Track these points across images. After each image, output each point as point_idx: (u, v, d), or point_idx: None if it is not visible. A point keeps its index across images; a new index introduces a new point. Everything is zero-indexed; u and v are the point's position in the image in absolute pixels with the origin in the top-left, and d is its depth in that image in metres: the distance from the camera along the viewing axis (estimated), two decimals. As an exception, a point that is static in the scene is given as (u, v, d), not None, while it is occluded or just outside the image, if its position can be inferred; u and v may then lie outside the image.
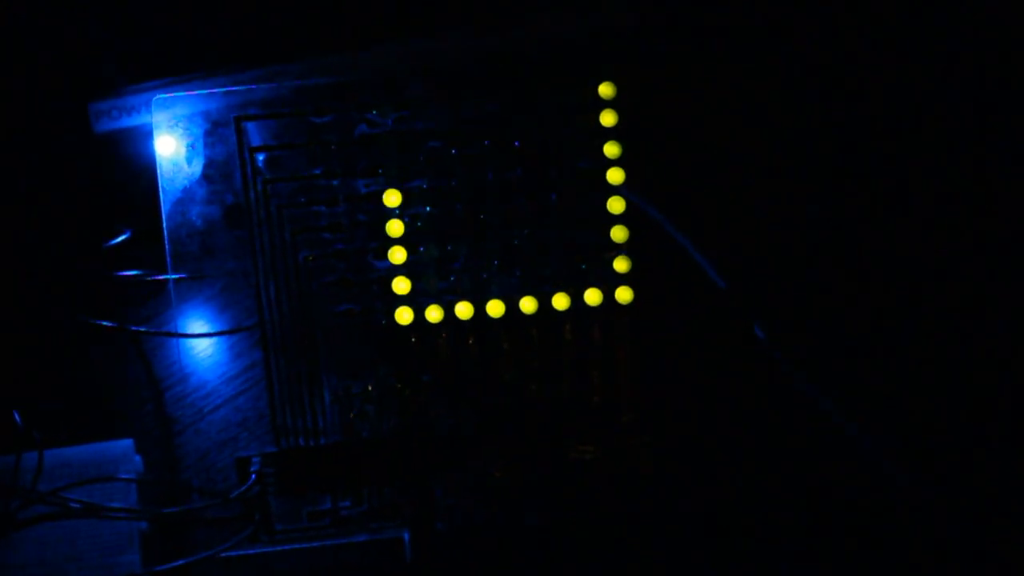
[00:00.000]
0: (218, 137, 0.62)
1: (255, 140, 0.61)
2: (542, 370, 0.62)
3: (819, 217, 0.70)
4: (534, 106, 0.62)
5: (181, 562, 0.56)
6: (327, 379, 0.61)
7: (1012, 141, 0.72)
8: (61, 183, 0.72)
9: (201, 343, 0.65)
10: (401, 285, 0.62)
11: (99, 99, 0.70)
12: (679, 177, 0.70)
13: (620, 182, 0.62)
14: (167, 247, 0.63)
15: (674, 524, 0.58)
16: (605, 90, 0.62)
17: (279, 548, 0.57)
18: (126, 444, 0.60)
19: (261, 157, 0.61)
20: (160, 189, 0.63)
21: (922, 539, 0.57)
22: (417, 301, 0.62)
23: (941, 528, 0.57)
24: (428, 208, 0.62)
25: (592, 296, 0.62)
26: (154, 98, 0.63)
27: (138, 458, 0.60)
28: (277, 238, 0.61)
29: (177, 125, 0.62)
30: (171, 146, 0.63)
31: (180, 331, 0.65)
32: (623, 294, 0.63)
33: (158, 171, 0.63)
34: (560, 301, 0.62)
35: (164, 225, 0.63)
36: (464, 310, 0.62)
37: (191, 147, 0.63)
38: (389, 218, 0.62)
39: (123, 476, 0.58)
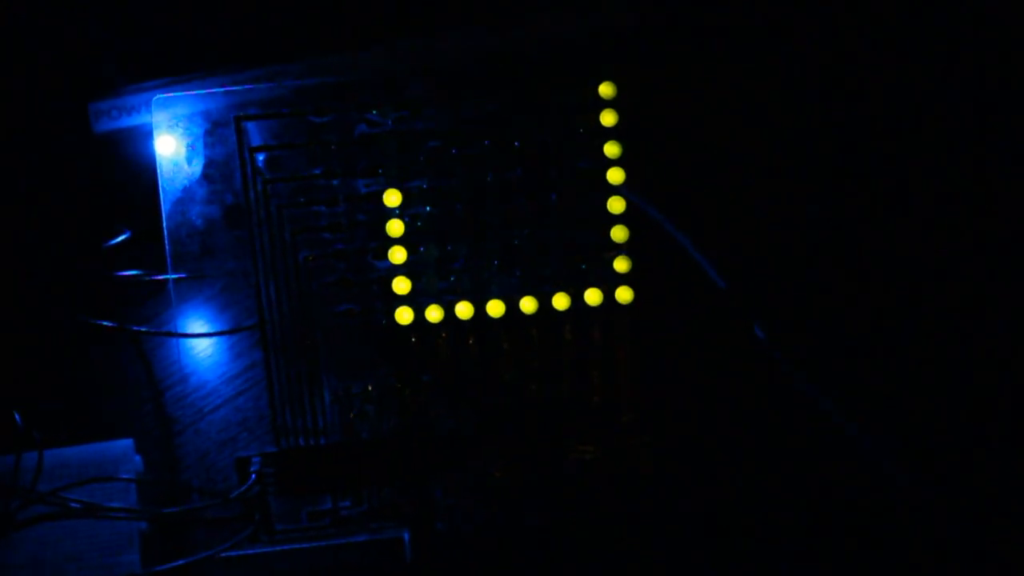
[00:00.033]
0: (218, 137, 0.62)
1: (255, 140, 0.61)
2: (542, 370, 0.62)
3: (819, 217, 0.70)
4: (534, 106, 0.62)
5: (181, 562, 0.56)
6: (327, 379, 0.61)
7: (1012, 141, 0.72)
8: (61, 183, 0.72)
9: (201, 343, 0.65)
10: (401, 285, 0.62)
11: (99, 99, 0.70)
12: (679, 177, 0.70)
13: (620, 182, 0.62)
14: (167, 247, 0.63)
15: (674, 524, 0.58)
16: (605, 90, 0.62)
17: (279, 548, 0.57)
18: (126, 444, 0.60)
19: (261, 157, 0.61)
20: (160, 189, 0.63)
21: (922, 539, 0.57)
22: (417, 301, 0.62)
23: (941, 528, 0.57)
24: (428, 208, 0.62)
25: (592, 296, 0.62)
26: (154, 98, 0.63)
27: (138, 458, 0.60)
28: (277, 238, 0.61)
29: (177, 125, 0.62)
30: (171, 146, 0.63)
31: (180, 331, 0.65)
32: (623, 294, 0.63)
33: (158, 171, 0.63)
34: (560, 301, 0.62)
35: (164, 225, 0.63)
36: (464, 310, 0.62)
37: (191, 147, 0.63)
38: (389, 218, 0.62)
39: (123, 476, 0.58)
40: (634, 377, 0.62)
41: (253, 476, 0.59)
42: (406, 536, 0.58)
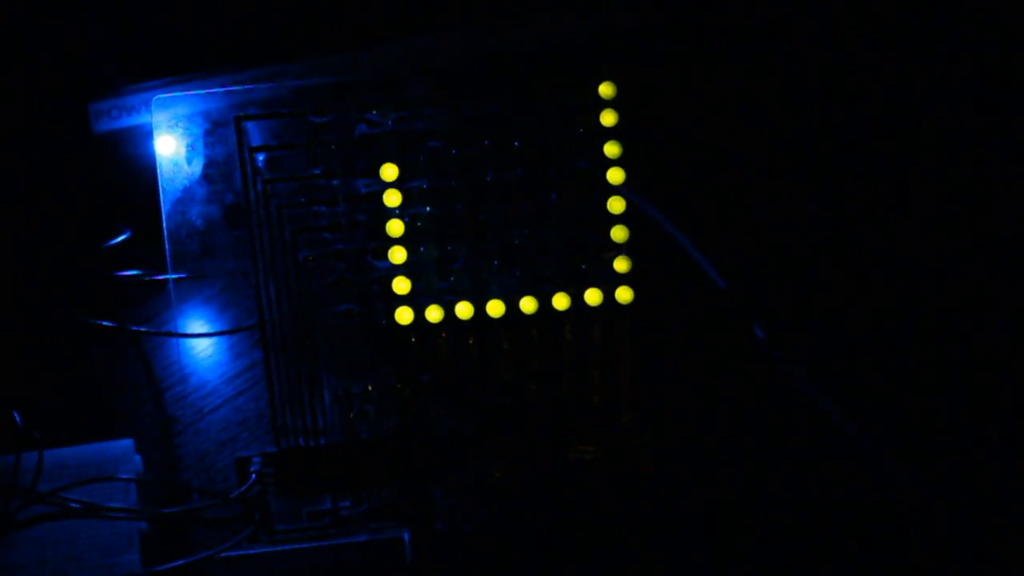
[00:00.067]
0: (218, 137, 0.62)
1: (255, 140, 0.61)
2: (542, 370, 0.62)
3: (819, 217, 0.70)
4: (534, 106, 0.62)
5: (181, 562, 0.56)
6: (327, 379, 0.61)
7: (1012, 141, 0.72)
8: (61, 183, 0.72)
9: (201, 343, 0.65)
10: (401, 285, 0.62)
11: (99, 99, 0.70)
12: (679, 177, 0.70)
13: (620, 182, 0.62)
14: (167, 247, 0.63)
15: (674, 524, 0.58)
16: (605, 90, 0.62)
17: (279, 548, 0.57)
18: (126, 444, 0.60)
19: (261, 157, 0.61)
20: (160, 189, 0.63)
21: (922, 539, 0.57)
22: (417, 301, 0.62)
23: (941, 528, 0.57)
24: (428, 208, 0.62)
25: (592, 296, 0.62)
26: (154, 98, 0.63)
27: (138, 458, 0.60)
28: (277, 238, 0.61)
29: (177, 125, 0.62)
30: (171, 146, 0.63)
31: (180, 331, 0.65)
32: (623, 294, 0.63)
33: (158, 171, 0.63)
34: (560, 301, 0.62)
35: (164, 225, 0.63)
36: (464, 310, 0.62)
37: (191, 147, 0.63)
38: (389, 218, 0.62)
39: (123, 476, 0.58)
40: (634, 377, 0.62)
41: (253, 476, 0.59)
42: (406, 536, 0.58)
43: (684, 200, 0.68)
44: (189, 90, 0.64)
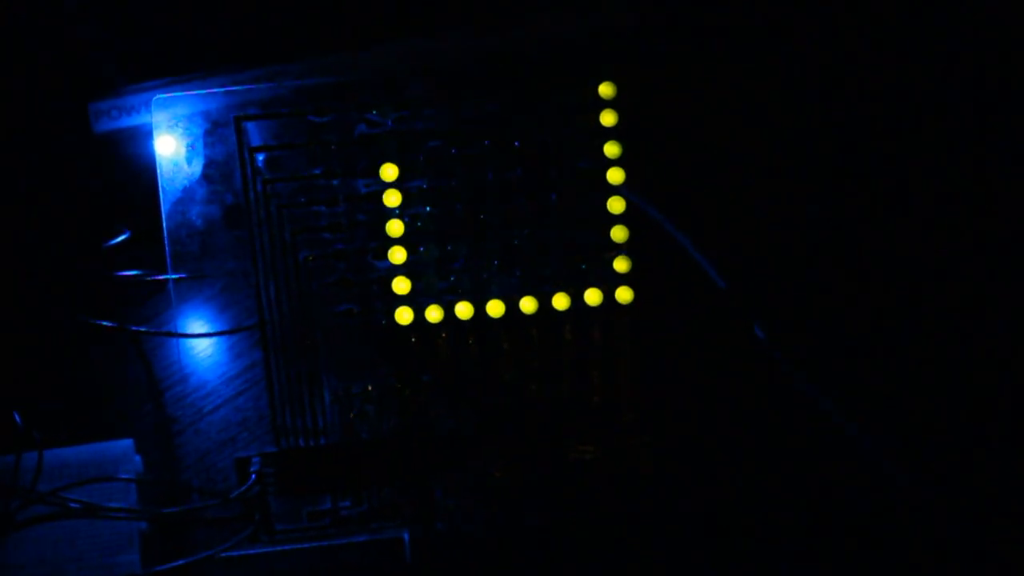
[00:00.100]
0: (218, 137, 0.62)
1: (255, 140, 0.61)
2: (542, 370, 0.62)
3: (819, 217, 0.70)
4: (534, 106, 0.62)
5: (181, 562, 0.56)
6: (327, 379, 0.61)
7: (1012, 141, 0.72)
8: (61, 183, 0.72)
9: (201, 343, 0.65)
10: (401, 285, 0.62)
11: (99, 99, 0.70)
12: (679, 177, 0.70)
13: (620, 182, 0.62)
14: (167, 247, 0.63)
15: (674, 524, 0.58)
16: (605, 90, 0.62)
17: (279, 548, 0.57)
18: (126, 444, 0.60)
19: (261, 157, 0.61)
20: (160, 189, 0.63)
21: (922, 539, 0.57)
22: (417, 301, 0.62)
23: (941, 528, 0.57)
24: (428, 208, 0.62)
25: (592, 296, 0.62)
26: (154, 98, 0.63)
27: (138, 458, 0.60)
28: (277, 238, 0.61)
29: (177, 125, 0.62)
30: (171, 146, 0.63)
31: (180, 331, 0.65)
32: (623, 294, 0.63)
33: (158, 171, 0.63)
34: (560, 301, 0.62)
35: (164, 225, 0.63)
36: (464, 310, 0.62)
37: (191, 147, 0.63)
38: (389, 218, 0.62)
39: (123, 476, 0.58)
40: (634, 377, 0.62)
41: (253, 476, 0.59)
42: (406, 536, 0.58)
43: (684, 200, 0.68)
44: (189, 90, 0.64)
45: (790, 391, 0.62)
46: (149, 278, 0.66)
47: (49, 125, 0.72)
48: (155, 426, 0.63)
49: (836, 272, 0.67)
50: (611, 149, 0.62)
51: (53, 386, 0.65)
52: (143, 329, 0.66)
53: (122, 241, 0.69)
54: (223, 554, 0.57)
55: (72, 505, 0.57)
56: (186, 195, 0.63)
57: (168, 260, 0.63)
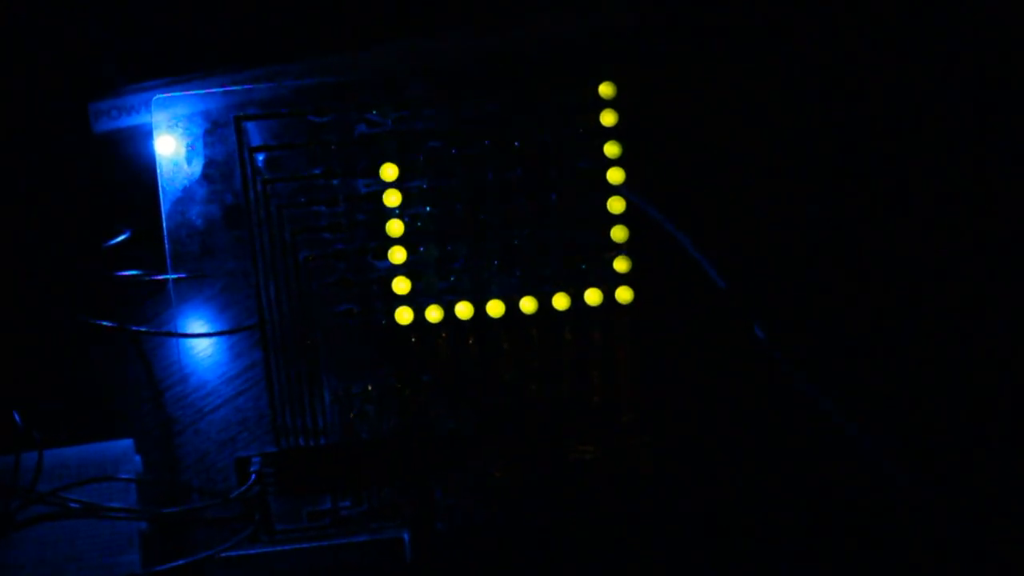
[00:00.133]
0: (218, 137, 0.62)
1: (255, 140, 0.61)
2: (542, 370, 0.62)
3: (819, 217, 0.70)
4: (534, 106, 0.62)
5: (181, 562, 0.56)
6: (327, 379, 0.61)
7: (1012, 141, 0.72)
8: (61, 183, 0.72)
9: (201, 343, 0.65)
10: (401, 285, 0.62)
11: (99, 99, 0.70)
12: (679, 177, 0.70)
13: (620, 182, 0.62)
14: (167, 247, 0.63)
15: (674, 524, 0.58)
16: (605, 90, 0.62)
17: (279, 548, 0.57)
18: (126, 444, 0.60)
19: (261, 157, 0.61)
20: (160, 189, 0.63)
21: (922, 539, 0.57)
22: (417, 301, 0.62)
23: (941, 528, 0.57)
24: (428, 208, 0.62)
25: (592, 296, 0.62)
26: (154, 98, 0.63)
27: (138, 458, 0.60)
28: (277, 238, 0.61)
29: (177, 125, 0.62)
30: (171, 146, 0.63)
31: (180, 331, 0.65)
32: (623, 294, 0.63)
33: (158, 171, 0.63)
34: (560, 301, 0.62)
35: (164, 225, 0.63)
36: (464, 310, 0.62)
37: (191, 147, 0.63)
38: (389, 218, 0.62)
39: (123, 476, 0.58)
40: (634, 377, 0.62)
41: (253, 476, 0.59)
42: (406, 536, 0.58)
43: (684, 200, 0.68)
44: (189, 90, 0.64)
45: (790, 391, 0.62)
46: (149, 278, 0.66)
47: (49, 125, 0.72)
48: (155, 426, 0.63)
49: (836, 272, 0.67)
50: (611, 149, 0.62)
51: (53, 386, 0.65)
52: (143, 329, 0.66)
53: (122, 241, 0.69)
54: (223, 554, 0.57)
55: (72, 505, 0.57)
56: (186, 195, 0.63)
57: (168, 260, 0.63)
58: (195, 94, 0.62)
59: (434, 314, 0.62)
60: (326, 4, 0.74)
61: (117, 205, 0.70)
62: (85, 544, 0.56)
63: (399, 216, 0.62)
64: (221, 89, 0.62)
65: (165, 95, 0.62)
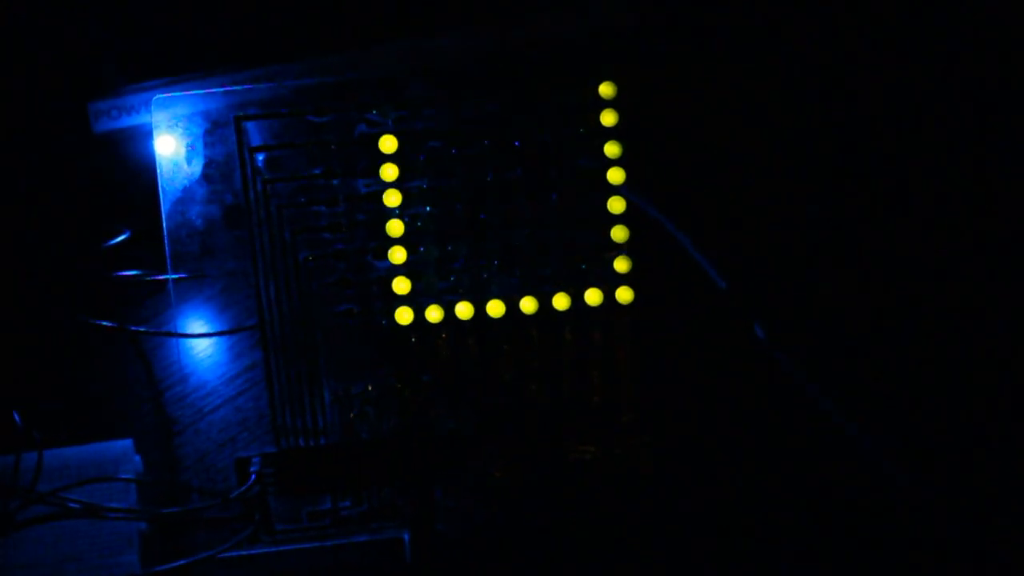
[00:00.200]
0: (218, 137, 0.62)
1: (255, 140, 0.61)
2: (542, 370, 0.62)
3: (819, 217, 0.70)
4: (534, 106, 0.62)
5: (181, 562, 0.56)
6: (327, 379, 0.61)
7: (1012, 141, 0.72)
8: (61, 183, 0.72)
9: (201, 343, 0.65)
10: (401, 285, 0.62)
11: (99, 99, 0.70)
12: (679, 177, 0.70)
13: (620, 182, 0.62)
14: (167, 247, 0.63)
15: (674, 524, 0.58)
16: (605, 90, 0.62)
17: (279, 548, 0.57)
18: (126, 444, 0.60)
19: (261, 157, 0.61)
20: (160, 189, 0.63)
21: (922, 539, 0.57)
22: (417, 301, 0.62)
23: (941, 528, 0.57)
24: (428, 208, 0.62)
25: (592, 296, 0.62)
26: (154, 98, 0.63)
27: (138, 458, 0.60)
28: (277, 238, 0.61)
29: (177, 125, 0.62)
30: (171, 146, 0.63)
31: (180, 331, 0.65)
32: (623, 294, 0.63)
33: (158, 171, 0.63)
34: (560, 301, 0.62)
35: (164, 225, 0.63)
36: (464, 310, 0.62)
37: (191, 147, 0.63)
38: (389, 218, 0.62)
39: (123, 476, 0.58)
40: (634, 377, 0.62)
41: (253, 476, 0.59)
42: (406, 536, 0.58)
43: (684, 200, 0.68)
44: (189, 90, 0.64)
45: (790, 391, 0.62)
46: (149, 278, 0.66)
47: (49, 125, 0.72)
48: (155, 426, 0.63)
49: (836, 272, 0.67)
50: (611, 149, 0.62)
51: (53, 386, 0.65)
52: (143, 329, 0.66)
53: (122, 241, 0.69)
54: (223, 554, 0.57)
55: (72, 505, 0.57)
56: (186, 195, 0.63)
57: (168, 260, 0.63)
58: (195, 94, 0.62)
59: (434, 314, 0.62)
60: (326, 4, 0.74)
61: (117, 205, 0.70)
62: (85, 544, 0.56)
63: (399, 216, 0.62)
64: (221, 89, 0.62)
65: (165, 95, 0.62)
